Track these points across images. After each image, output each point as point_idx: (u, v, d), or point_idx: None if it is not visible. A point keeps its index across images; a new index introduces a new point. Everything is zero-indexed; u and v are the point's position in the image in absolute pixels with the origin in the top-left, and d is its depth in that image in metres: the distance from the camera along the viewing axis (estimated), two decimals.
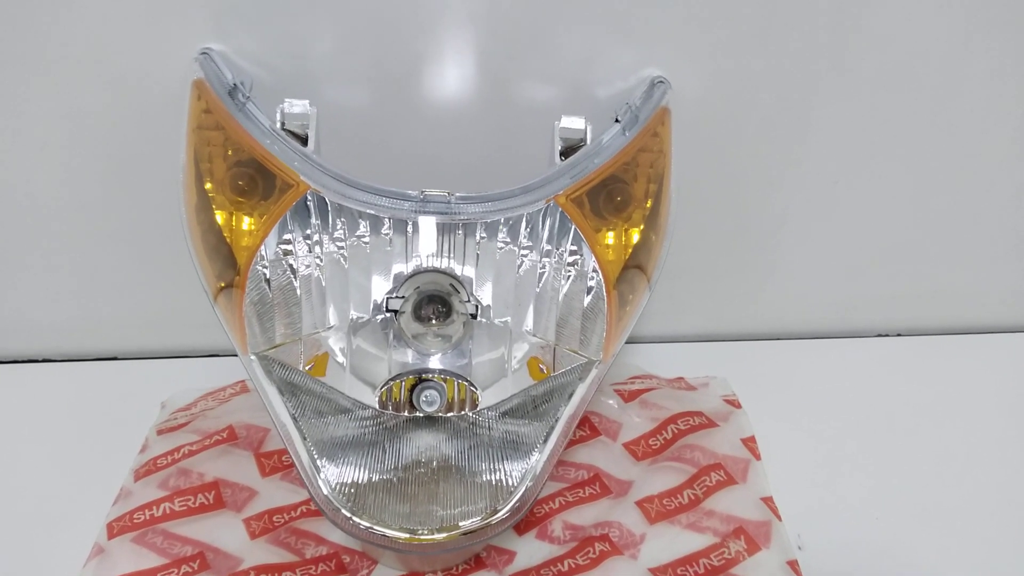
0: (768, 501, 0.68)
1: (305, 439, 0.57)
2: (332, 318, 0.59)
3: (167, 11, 0.65)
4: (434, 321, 0.58)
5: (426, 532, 0.55)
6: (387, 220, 0.57)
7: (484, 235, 0.58)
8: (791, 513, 0.67)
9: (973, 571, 0.65)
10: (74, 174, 0.73)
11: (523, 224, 0.58)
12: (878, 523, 0.68)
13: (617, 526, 0.65)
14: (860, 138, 0.78)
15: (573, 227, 0.59)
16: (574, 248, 0.59)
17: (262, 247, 0.57)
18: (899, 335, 0.91)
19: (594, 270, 0.59)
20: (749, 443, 0.73)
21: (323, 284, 0.58)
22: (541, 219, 0.58)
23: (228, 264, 0.58)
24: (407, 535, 0.54)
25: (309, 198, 0.56)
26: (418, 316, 0.58)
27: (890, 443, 0.75)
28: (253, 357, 0.58)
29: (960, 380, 0.83)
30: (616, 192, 0.60)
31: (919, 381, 0.83)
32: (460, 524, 0.55)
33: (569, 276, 0.60)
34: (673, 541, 0.65)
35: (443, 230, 0.57)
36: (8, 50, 0.66)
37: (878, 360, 0.86)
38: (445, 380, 0.59)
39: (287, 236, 0.57)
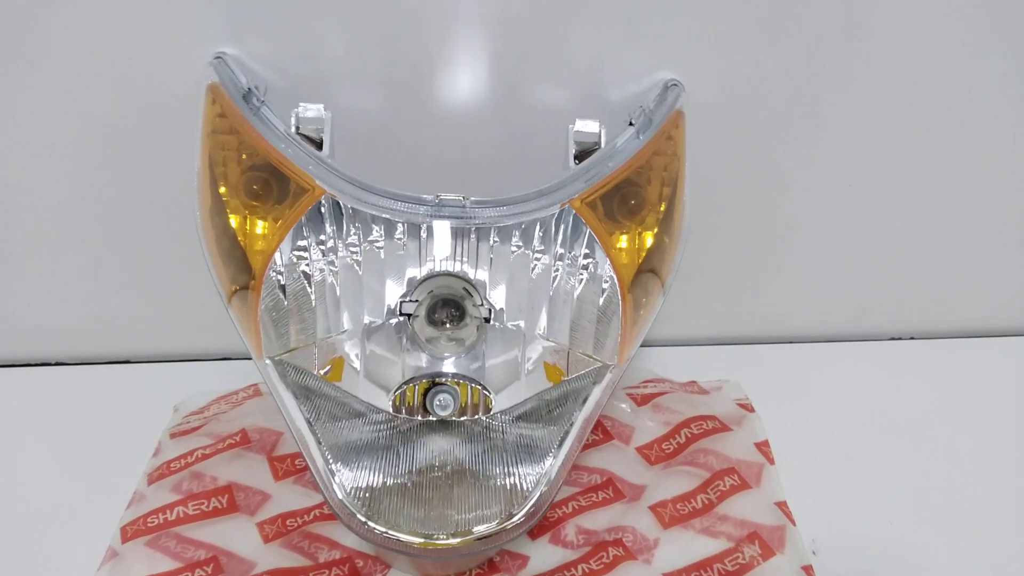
0: (782, 505, 0.67)
1: (320, 443, 0.57)
2: (346, 322, 0.59)
3: (181, 16, 0.65)
4: (448, 325, 0.58)
5: (441, 537, 0.55)
6: (401, 224, 0.57)
7: (497, 239, 0.58)
8: (805, 517, 0.67)
9: (988, 575, 0.65)
10: (89, 178, 0.73)
11: (537, 228, 0.58)
12: (893, 527, 0.68)
13: (631, 531, 0.65)
14: (873, 141, 0.77)
15: (587, 231, 0.58)
16: (588, 252, 0.59)
17: (276, 253, 0.56)
18: (912, 339, 0.90)
19: (608, 274, 0.59)
20: (763, 447, 0.72)
21: (337, 290, 0.58)
22: (555, 223, 0.58)
23: (242, 268, 0.58)
24: (422, 540, 0.54)
25: (323, 202, 0.56)
26: (432, 320, 0.58)
27: (904, 447, 0.75)
28: (268, 361, 0.58)
29: (974, 384, 0.83)
30: (630, 196, 0.60)
31: (933, 385, 0.82)
32: (475, 529, 0.55)
33: (583, 280, 0.60)
34: (687, 546, 0.64)
35: (457, 234, 0.57)
36: (23, 56, 0.67)
37: (892, 364, 0.86)
38: (459, 384, 0.59)
39: (301, 243, 0.57)
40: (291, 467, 0.69)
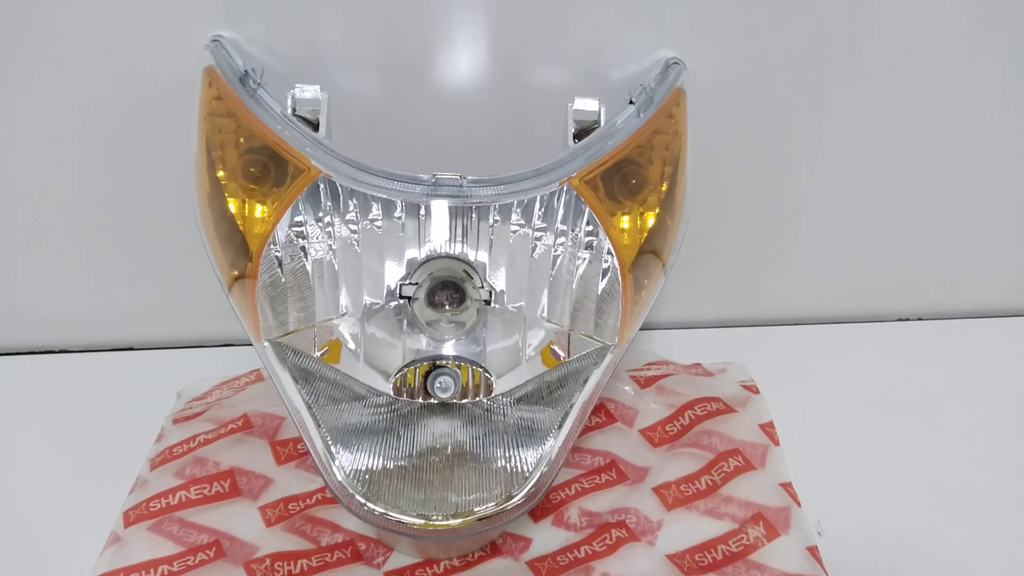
0: (787, 487, 0.67)
1: (319, 426, 0.57)
2: (345, 304, 0.59)
3: None
4: (448, 308, 0.58)
5: (441, 518, 0.54)
6: (399, 204, 0.56)
7: (497, 218, 0.57)
8: (810, 499, 0.66)
9: (995, 556, 0.64)
10: (86, 165, 0.73)
11: (536, 207, 0.57)
12: (899, 508, 0.67)
13: (634, 512, 0.65)
14: (878, 120, 0.76)
15: (587, 210, 0.58)
16: (589, 230, 0.58)
17: (274, 231, 0.56)
18: (919, 319, 0.90)
19: (608, 254, 0.59)
20: (767, 428, 0.72)
21: (336, 269, 0.58)
22: (555, 202, 0.58)
23: (242, 252, 0.57)
24: (422, 521, 0.54)
25: (321, 183, 0.56)
26: (432, 302, 0.58)
27: (911, 427, 0.74)
28: (266, 344, 0.58)
29: (982, 364, 0.82)
30: (631, 175, 0.60)
31: (940, 366, 0.82)
32: (475, 510, 0.55)
33: (584, 260, 0.59)
34: (691, 527, 0.64)
35: (456, 214, 0.56)
36: (17, 43, 0.66)
37: (898, 345, 0.85)
38: (459, 366, 0.59)
39: (299, 219, 0.57)
40: (293, 451, 0.69)
